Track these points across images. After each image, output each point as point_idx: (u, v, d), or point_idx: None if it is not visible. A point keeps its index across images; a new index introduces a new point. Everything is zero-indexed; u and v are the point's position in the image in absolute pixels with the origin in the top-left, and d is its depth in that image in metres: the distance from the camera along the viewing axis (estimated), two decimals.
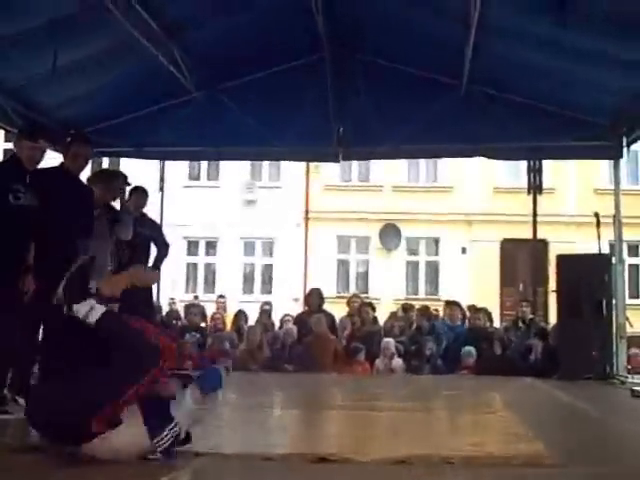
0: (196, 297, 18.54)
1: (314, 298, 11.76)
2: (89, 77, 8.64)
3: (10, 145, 22.27)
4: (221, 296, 15.49)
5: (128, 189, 8.26)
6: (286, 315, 12.39)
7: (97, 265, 6.59)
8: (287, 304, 17.73)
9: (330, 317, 11.34)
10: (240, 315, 12.08)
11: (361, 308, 11.80)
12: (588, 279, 9.66)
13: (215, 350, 10.77)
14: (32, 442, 4.14)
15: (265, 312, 12.49)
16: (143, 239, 8.52)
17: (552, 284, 11.66)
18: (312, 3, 7.92)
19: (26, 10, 6.86)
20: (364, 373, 10.48)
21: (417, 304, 12.83)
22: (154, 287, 8.87)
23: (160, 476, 3.46)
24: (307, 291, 12.03)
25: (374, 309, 11.90)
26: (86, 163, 6.59)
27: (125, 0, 7.14)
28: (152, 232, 8.80)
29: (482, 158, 11.25)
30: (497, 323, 13.17)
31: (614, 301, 9.69)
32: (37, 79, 8.18)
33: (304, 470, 3.79)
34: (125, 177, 8.11)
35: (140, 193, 8.71)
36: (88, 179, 7.62)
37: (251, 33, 8.75)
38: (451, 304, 12.16)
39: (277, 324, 12.34)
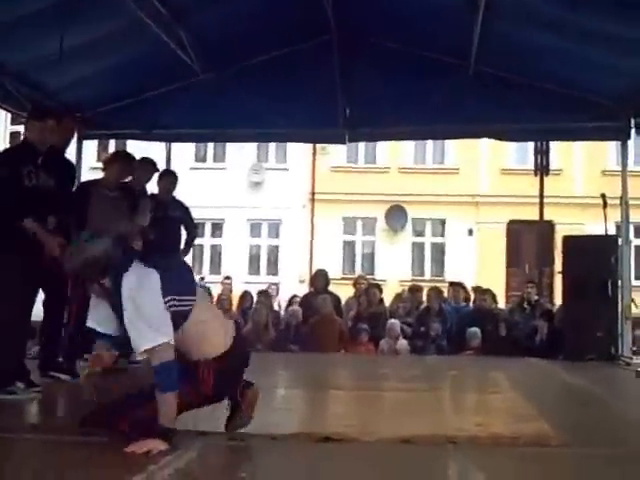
0: (202, 278, 18.57)
1: (320, 279, 11.80)
2: (96, 59, 8.63)
3: (17, 128, 22.34)
4: (227, 277, 15.52)
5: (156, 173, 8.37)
6: (294, 296, 12.43)
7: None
8: (293, 285, 17.78)
9: (336, 298, 11.38)
10: (246, 296, 12.11)
11: (368, 289, 11.82)
12: (594, 260, 9.66)
13: None
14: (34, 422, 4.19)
15: (263, 293, 12.49)
16: (173, 221, 8.60)
17: (558, 265, 11.64)
18: None
19: None
20: (369, 354, 10.53)
21: (423, 285, 12.83)
22: None
23: (165, 455, 3.50)
24: (313, 272, 12.04)
25: (381, 291, 11.91)
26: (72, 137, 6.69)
27: None
28: (182, 215, 8.89)
29: (489, 139, 11.22)
30: (503, 304, 13.19)
31: (620, 282, 9.69)
32: (43, 61, 8.17)
33: (309, 449, 3.83)
34: (154, 163, 8.21)
35: (169, 176, 8.80)
36: (104, 160, 7.66)
37: (258, 15, 8.72)
38: (455, 285, 12.18)
39: (284, 305, 12.35)
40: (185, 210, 9.08)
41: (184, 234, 8.98)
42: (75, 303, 6.72)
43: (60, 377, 6.41)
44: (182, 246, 9.04)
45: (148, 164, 8.20)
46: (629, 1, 6.77)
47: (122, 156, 7.81)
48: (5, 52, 7.70)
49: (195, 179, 21.48)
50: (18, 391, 5.43)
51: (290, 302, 12.21)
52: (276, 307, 12.73)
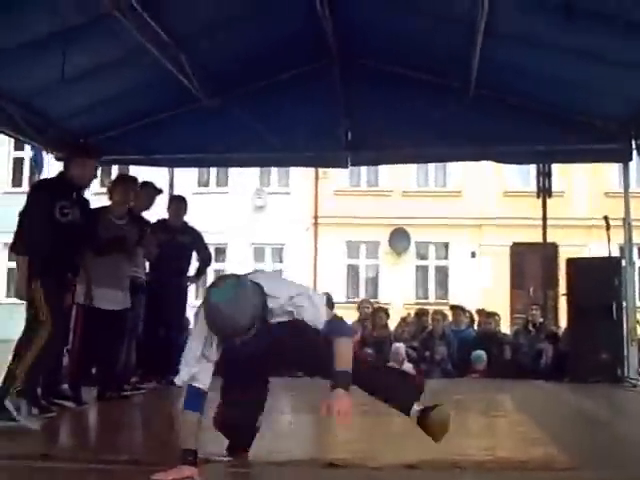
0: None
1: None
2: (98, 86, 8.67)
3: (20, 154, 22.38)
4: None
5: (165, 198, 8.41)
6: None
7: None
8: None
9: None
10: None
11: (375, 313, 11.77)
12: (598, 282, 9.64)
13: None
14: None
15: None
16: (183, 248, 8.60)
17: (562, 288, 11.62)
18: (319, 10, 7.94)
19: (36, 19, 6.90)
20: None
21: (427, 309, 12.79)
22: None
23: None
24: None
25: (388, 315, 11.86)
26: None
27: (133, 10, 7.16)
28: (193, 240, 8.88)
29: (491, 162, 11.21)
30: (507, 327, 13.13)
31: (624, 304, 9.67)
32: (47, 88, 8.21)
33: (314, 476, 3.79)
34: (155, 187, 8.22)
35: (179, 202, 8.81)
36: (109, 187, 7.65)
37: (259, 40, 8.77)
38: (455, 308, 12.15)
39: None
40: (197, 235, 9.10)
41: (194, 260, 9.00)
42: (79, 328, 6.74)
43: (64, 404, 6.39)
44: (194, 272, 9.06)
45: (149, 188, 8.21)
46: (627, 23, 6.79)
47: (125, 179, 7.84)
48: (8, 79, 7.73)
49: (198, 204, 21.51)
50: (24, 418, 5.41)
51: None
52: None
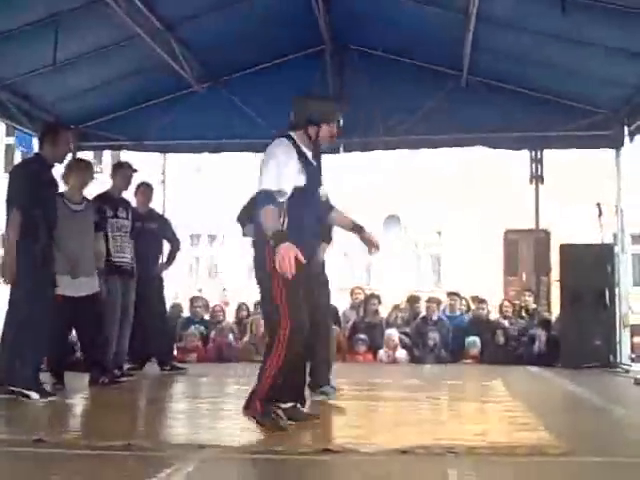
0: (200, 290, 18.54)
1: None
2: (90, 71, 8.65)
3: (11, 140, 22.27)
4: (224, 289, 15.48)
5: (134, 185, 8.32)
6: None
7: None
8: None
9: (333, 309, 11.28)
10: (241, 307, 12.06)
11: (368, 299, 11.76)
12: (591, 269, 9.67)
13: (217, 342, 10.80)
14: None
15: (258, 304, 12.39)
16: (152, 234, 8.50)
17: (555, 274, 11.64)
18: None
19: (26, 4, 6.87)
20: (367, 363, 10.49)
21: (419, 295, 12.79)
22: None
23: (164, 468, 3.47)
24: None
25: (380, 301, 11.86)
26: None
27: None
28: (161, 227, 8.78)
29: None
30: (500, 313, 13.15)
31: (617, 290, 9.70)
32: (37, 73, 8.18)
33: (308, 461, 3.80)
34: (130, 166, 8.06)
35: (145, 188, 8.70)
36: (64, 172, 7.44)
37: (251, 26, 8.74)
38: (452, 295, 12.16)
39: None
40: (164, 222, 9.00)
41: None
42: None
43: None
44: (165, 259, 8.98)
45: (125, 168, 8.02)
46: (620, 10, 6.79)
47: (79, 163, 7.65)
48: None
49: (191, 190, 21.50)
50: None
51: None
52: None
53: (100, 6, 7.14)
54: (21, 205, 5.92)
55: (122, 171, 7.96)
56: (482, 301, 11.69)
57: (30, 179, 6.05)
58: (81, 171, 7.19)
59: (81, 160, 8.16)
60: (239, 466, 3.80)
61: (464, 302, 12.00)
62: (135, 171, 7.97)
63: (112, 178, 7.99)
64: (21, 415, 5.39)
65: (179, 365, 8.76)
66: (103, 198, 7.70)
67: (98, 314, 7.09)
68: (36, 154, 6.46)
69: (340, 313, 11.45)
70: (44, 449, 3.95)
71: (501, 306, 11.68)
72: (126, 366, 8.10)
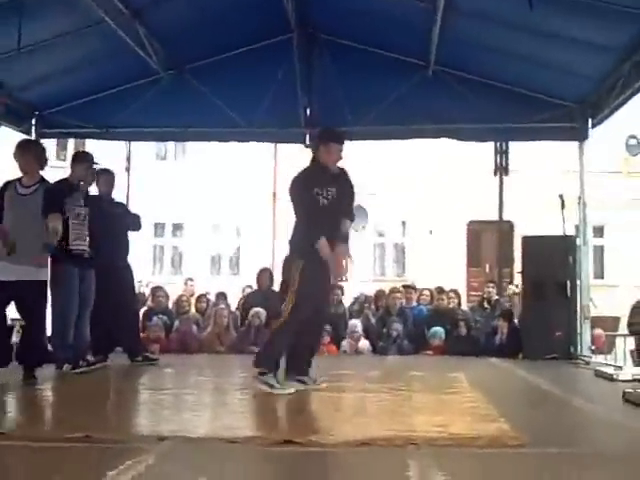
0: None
1: (264, 278, 11.57)
2: (54, 57, 8.54)
3: None
4: (190, 279, 15.39)
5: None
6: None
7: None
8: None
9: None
10: (202, 297, 11.99)
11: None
12: (553, 261, 9.76)
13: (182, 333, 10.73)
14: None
15: (222, 294, 12.35)
16: (119, 218, 8.45)
17: (518, 265, 11.75)
18: None
19: None
20: (331, 355, 10.50)
21: (384, 286, 12.83)
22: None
23: (125, 460, 3.44)
24: (258, 271, 11.77)
25: (343, 292, 11.87)
26: None
27: None
28: (124, 212, 8.79)
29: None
30: (464, 304, 13.24)
31: (578, 282, 9.80)
32: (1, 58, 8.05)
33: (268, 453, 3.79)
34: (90, 157, 7.94)
35: (108, 174, 8.60)
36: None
37: (218, 13, 8.69)
38: (407, 287, 12.23)
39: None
40: (124, 207, 9.06)
41: None
42: None
43: None
44: None
45: (86, 162, 7.89)
46: (586, 4, 6.84)
47: (21, 146, 7.45)
48: None
49: (156, 178, 21.33)
50: None
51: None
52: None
53: None
54: None
55: (81, 164, 7.77)
56: (443, 292, 11.74)
57: None
58: (23, 153, 7.03)
59: (24, 143, 7.88)
60: (199, 457, 3.78)
61: (427, 293, 12.04)
62: (96, 164, 7.84)
63: (71, 167, 7.83)
64: None
65: (151, 356, 8.69)
66: (62, 184, 7.57)
67: (34, 302, 6.82)
68: None
69: None
70: (2, 442, 3.90)
71: (468, 296, 11.73)
72: (90, 357, 7.98)
